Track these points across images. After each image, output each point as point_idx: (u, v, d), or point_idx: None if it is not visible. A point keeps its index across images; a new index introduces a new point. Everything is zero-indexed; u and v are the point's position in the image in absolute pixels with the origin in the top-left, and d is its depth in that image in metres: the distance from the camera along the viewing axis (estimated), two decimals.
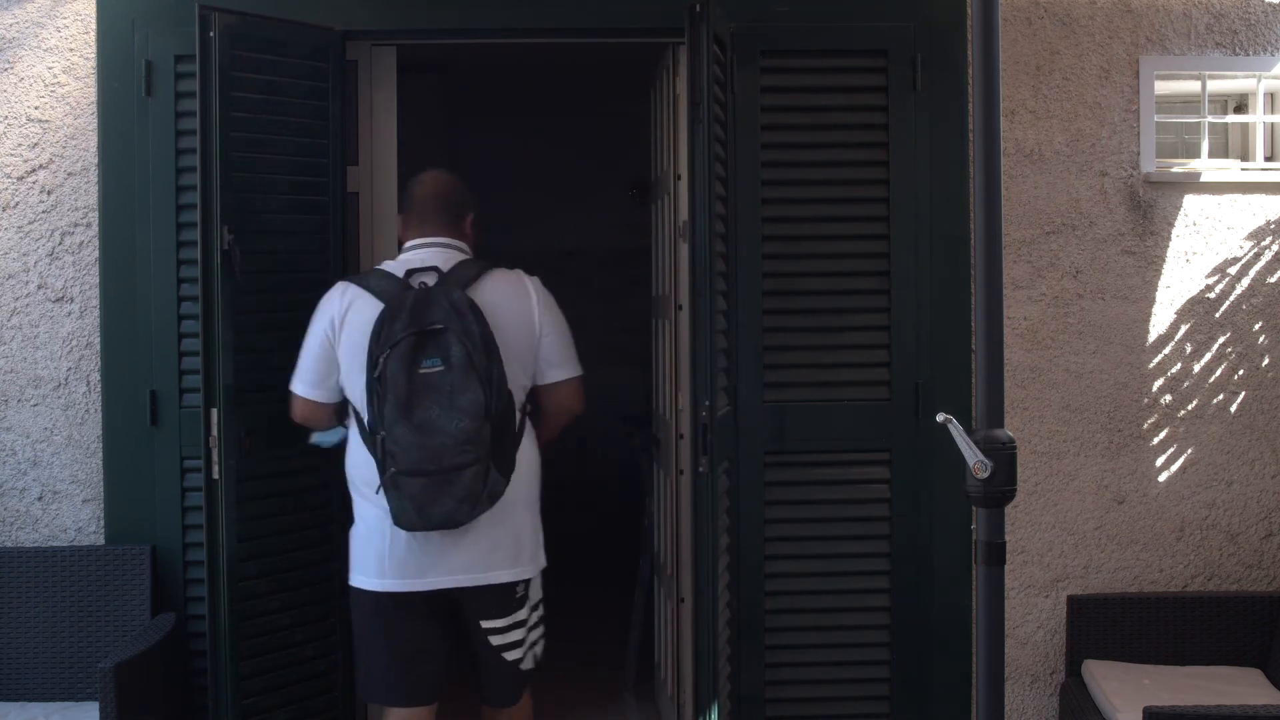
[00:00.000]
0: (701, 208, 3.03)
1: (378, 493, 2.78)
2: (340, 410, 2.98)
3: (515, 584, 2.90)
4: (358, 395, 2.84)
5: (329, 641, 3.38)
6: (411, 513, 2.73)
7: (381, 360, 2.72)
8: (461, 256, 2.95)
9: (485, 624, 2.91)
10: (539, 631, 3.03)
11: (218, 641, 3.14)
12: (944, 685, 3.47)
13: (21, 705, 3.32)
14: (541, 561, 2.98)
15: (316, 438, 3.08)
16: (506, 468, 2.82)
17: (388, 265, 2.95)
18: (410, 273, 2.86)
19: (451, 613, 2.95)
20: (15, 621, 3.40)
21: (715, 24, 3.12)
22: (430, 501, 2.72)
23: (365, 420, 2.81)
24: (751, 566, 3.42)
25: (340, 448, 3.00)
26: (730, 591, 3.38)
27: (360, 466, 2.87)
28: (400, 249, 3.01)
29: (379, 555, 2.86)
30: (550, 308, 2.97)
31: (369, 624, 2.92)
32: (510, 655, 2.94)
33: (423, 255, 2.93)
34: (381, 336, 2.75)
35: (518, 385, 2.89)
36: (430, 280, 2.83)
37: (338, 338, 2.87)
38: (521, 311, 2.91)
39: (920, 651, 3.46)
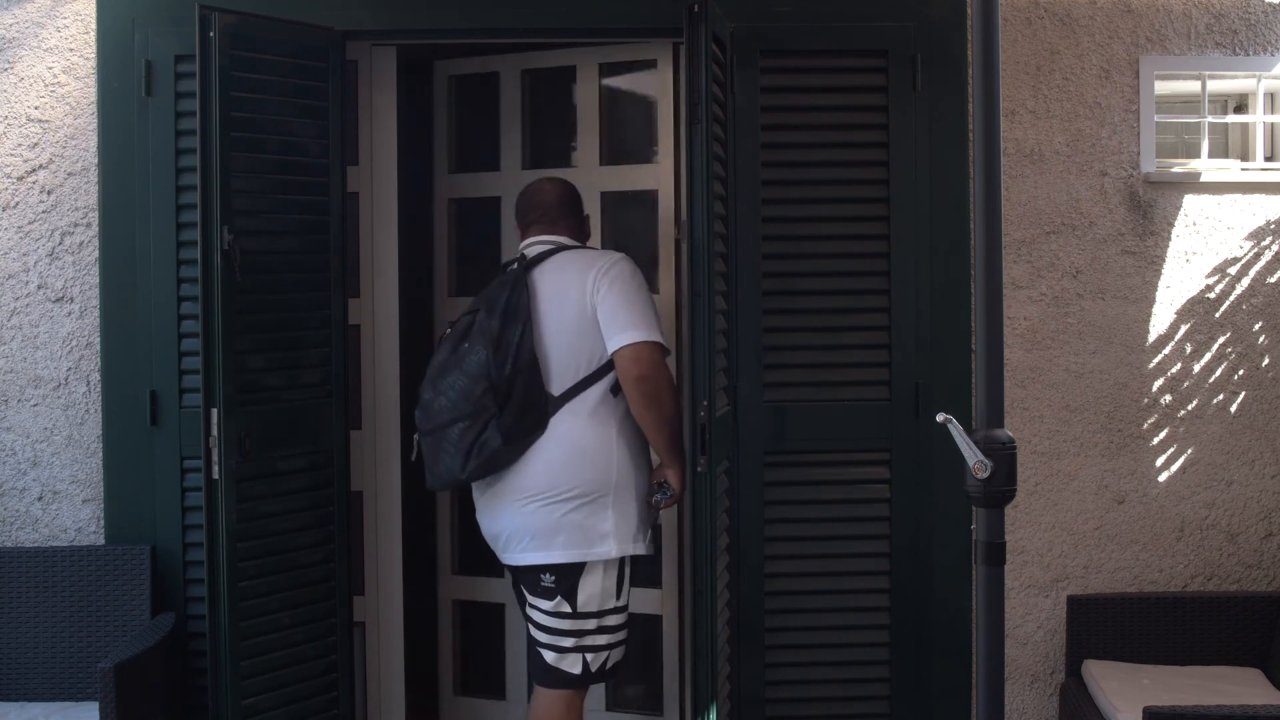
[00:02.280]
0: (700, 208, 3.03)
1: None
2: None
3: (539, 569, 2.94)
4: None
5: (329, 641, 3.37)
6: (428, 473, 2.94)
7: (440, 337, 2.99)
8: (551, 246, 3.07)
9: (525, 590, 3.05)
10: (596, 640, 3.01)
11: (218, 641, 3.13)
12: (944, 685, 3.47)
13: (21, 705, 3.32)
14: (600, 551, 2.96)
15: None
16: (515, 425, 2.86)
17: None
18: (508, 262, 3.08)
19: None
20: (15, 621, 3.40)
21: (714, 24, 3.12)
22: (433, 459, 2.90)
23: None
24: (751, 566, 3.42)
25: None
26: (730, 591, 3.38)
27: None
28: None
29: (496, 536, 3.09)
30: (613, 279, 2.97)
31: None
32: (532, 629, 3.02)
33: (523, 249, 3.11)
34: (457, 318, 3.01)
35: (574, 355, 2.94)
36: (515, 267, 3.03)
37: None
38: (577, 285, 2.97)
39: (920, 651, 3.46)
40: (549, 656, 3.01)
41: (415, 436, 2.99)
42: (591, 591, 2.98)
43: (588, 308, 2.96)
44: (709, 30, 3.06)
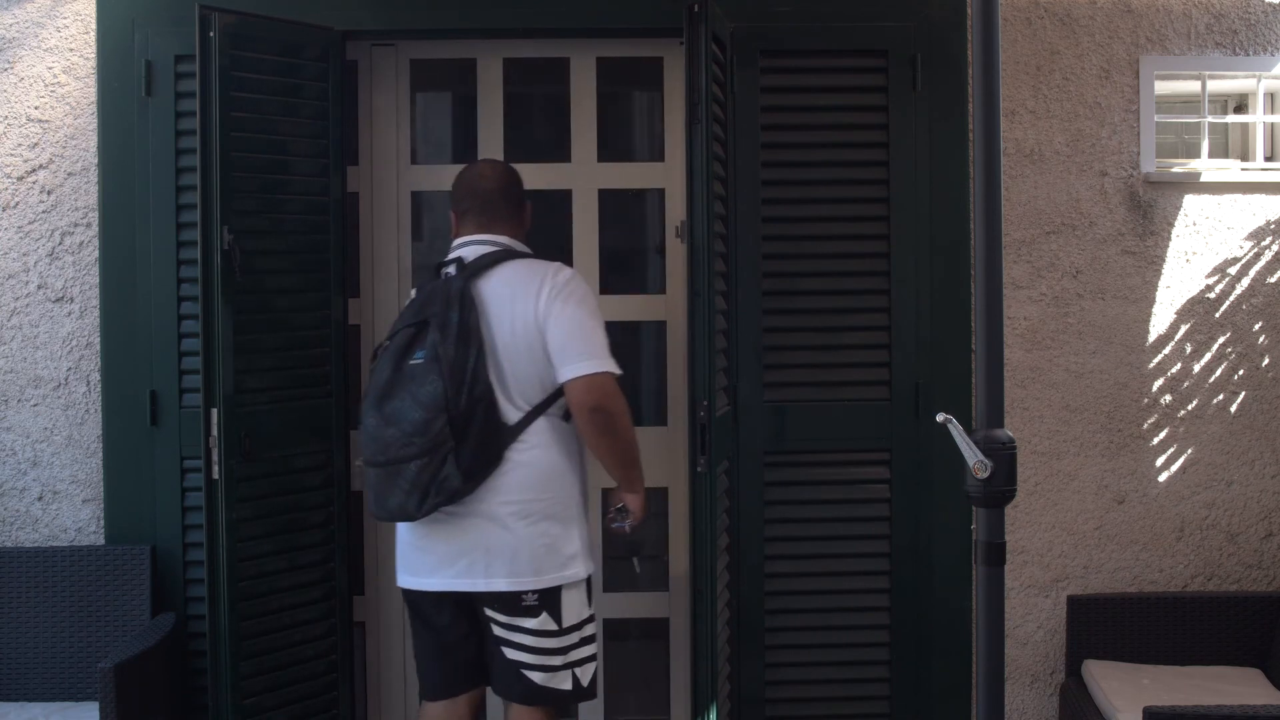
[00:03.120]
0: (700, 208, 3.03)
1: None
2: None
3: (520, 593, 2.81)
4: None
5: (329, 641, 3.38)
6: (372, 503, 2.77)
7: (378, 351, 2.79)
8: (492, 249, 2.89)
9: (488, 611, 2.87)
10: (580, 654, 2.90)
11: (218, 641, 3.14)
12: (944, 685, 3.47)
13: (21, 705, 3.32)
14: (572, 573, 2.85)
15: None
16: (473, 462, 2.72)
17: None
18: (439, 266, 2.89)
19: (475, 608, 2.90)
20: (15, 621, 3.40)
21: (714, 24, 3.12)
22: (383, 492, 2.74)
23: None
24: (751, 566, 3.42)
25: None
26: (730, 591, 3.38)
27: None
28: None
29: (400, 553, 2.92)
30: (563, 299, 2.80)
31: (410, 619, 3.00)
32: (510, 654, 2.86)
33: (459, 251, 2.92)
34: (392, 329, 2.81)
35: (523, 380, 2.80)
36: (454, 270, 2.83)
37: None
38: (525, 302, 2.79)
39: (920, 651, 3.46)
40: (538, 677, 2.85)
41: (358, 463, 2.84)
42: (571, 606, 2.87)
43: (538, 331, 2.78)
44: (709, 30, 3.06)
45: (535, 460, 2.82)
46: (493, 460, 2.77)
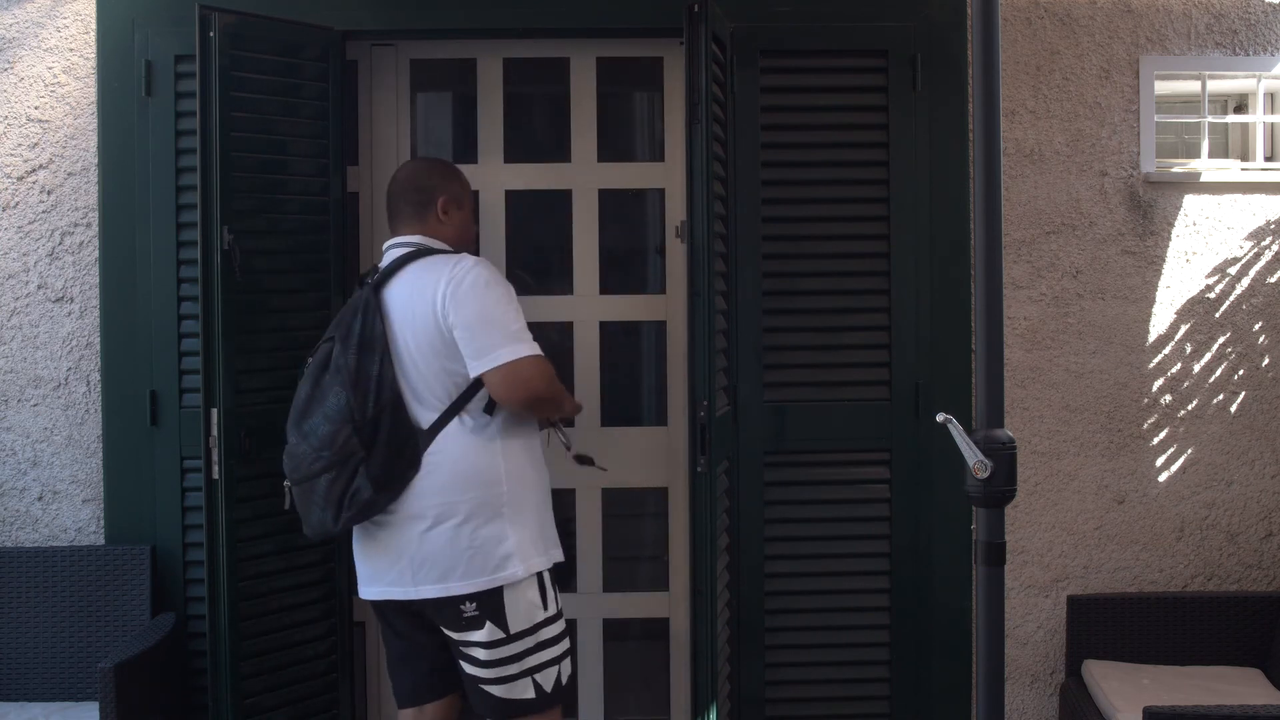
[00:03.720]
0: (700, 208, 3.03)
1: None
2: None
3: (457, 599, 2.70)
4: None
5: (329, 641, 3.38)
6: (302, 522, 2.77)
7: (301, 368, 2.76)
8: (404, 250, 2.81)
9: (441, 626, 2.80)
10: (539, 658, 2.77)
11: (218, 641, 3.14)
12: (944, 685, 3.47)
13: (21, 705, 3.32)
14: (508, 574, 2.72)
15: None
16: (384, 471, 2.66)
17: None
18: (363, 276, 2.86)
19: (427, 618, 2.83)
20: (15, 621, 3.40)
21: (714, 24, 3.12)
22: (304, 510, 2.73)
23: None
24: (751, 566, 3.42)
25: None
26: (730, 591, 3.38)
27: None
28: None
29: (356, 562, 2.91)
30: (463, 291, 2.67)
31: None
32: (468, 669, 2.77)
33: (385, 256, 2.87)
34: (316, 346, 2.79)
35: (433, 380, 2.71)
36: (371, 279, 2.81)
37: None
38: (424, 302, 2.69)
39: (920, 651, 3.46)
40: (498, 691, 2.75)
41: (285, 484, 2.76)
42: (517, 609, 2.73)
43: (443, 329, 2.68)
44: (709, 30, 3.06)
45: (451, 461, 2.71)
46: (408, 466, 2.69)
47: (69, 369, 3.60)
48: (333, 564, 3.38)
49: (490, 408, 2.75)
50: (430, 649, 2.90)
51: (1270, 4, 3.71)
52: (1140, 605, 3.56)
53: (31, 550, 3.46)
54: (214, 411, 3.12)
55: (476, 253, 3.08)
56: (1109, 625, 3.54)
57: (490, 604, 2.72)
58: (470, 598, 2.71)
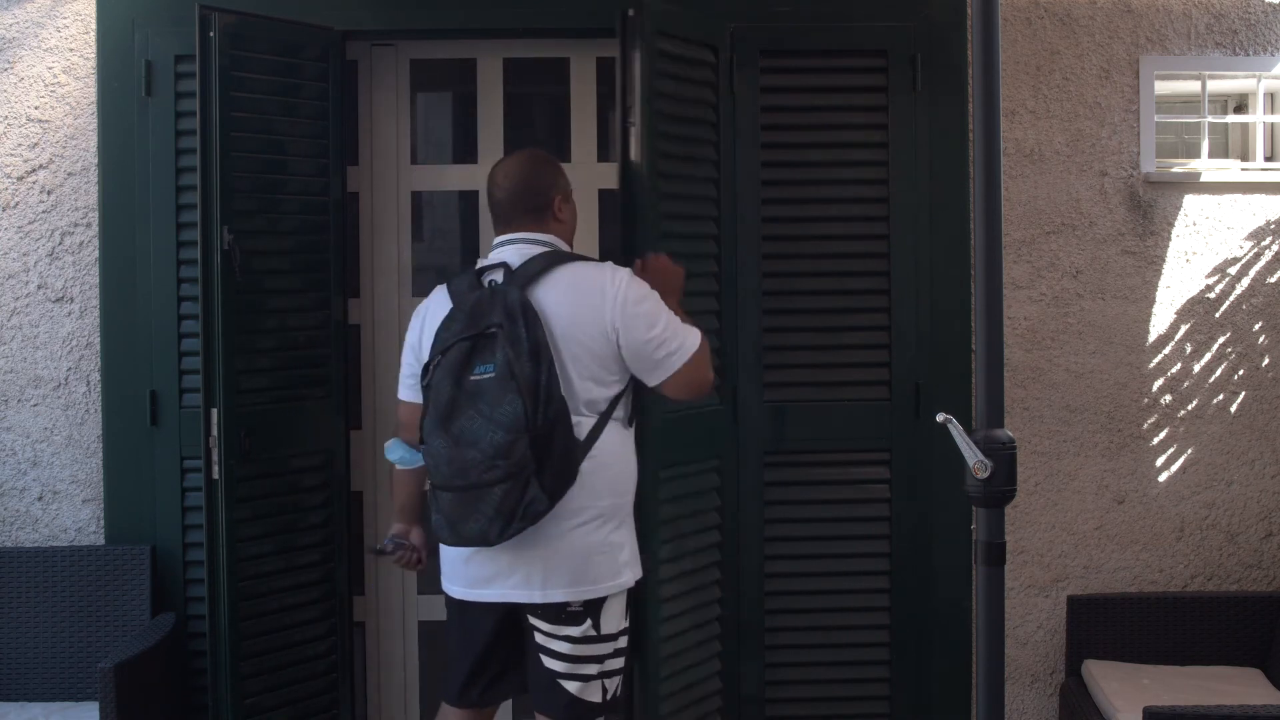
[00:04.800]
0: (644, 214, 3.02)
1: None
2: None
3: (569, 602, 2.70)
4: None
5: (329, 641, 3.38)
6: (445, 529, 2.61)
7: (432, 368, 2.61)
8: (538, 250, 2.74)
9: (532, 620, 2.76)
10: (614, 664, 2.77)
11: (218, 641, 3.14)
12: (944, 685, 3.47)
13: (21, 705, 3.32)
14: (623, 580, 2.74)
15: (394, 449, 2.86)
16: (555, 483, 2.61)
17: (480, 261, 2.79)
18: (481, 271, 2.72)
19: (519, 618, 2.78)
20: (15, 621, 3.40)
21: (665, 25, 3.13)
22: (461, 518, 2.59)
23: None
24: (751, 566, 3.42)
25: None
26: (730, 591, 3.38)
27: None
28: None
29: (450, 560, 2.77)
30: (631, 303, 2.66)
31: (448, 623, 2.87)
32: (548, 663, 2.75)
33: (498, 252, 2.77)
34: (438, 340, 2.63)
35: (590, 390, 2.67)
36: (499, 278, 2.68)
37: (422, 342, 2.73)
38: (590, 310, 2.65)
39: (920, 651, 3.46)
40: (572, 687, 2.72)
41: (429, 488, 2.65)
42: (613, 612, 2.75)
43: (607, 341, 2.66)
44: (647, 33, 3.04)
45: (603, 470, 2.70)
46: (571, 477, 2.64)
47: (69, 369, 3.59)
48: (333, 564, 3.39)
49: (632, 419, 2.78)
50: (504, 653, 2.82)
51: (1270, 4, 3.71)
52: (1140, 605, 3.56)
53: (31, 550, 3.46)
54: (214, 411, 3.12)
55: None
56: (1109, 625, 3.54)
57: (595, 605, 2.73)
58: (586, 601, 2.71)
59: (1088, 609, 3.55)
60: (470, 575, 2.74)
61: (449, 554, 2.77)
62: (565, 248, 2.82)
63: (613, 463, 2.72)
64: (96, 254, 3.53)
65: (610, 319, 2.66)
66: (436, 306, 2.74)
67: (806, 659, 3.46)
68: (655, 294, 2.74)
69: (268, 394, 3.25)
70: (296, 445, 3.33)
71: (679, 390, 2.75)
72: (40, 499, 3.60)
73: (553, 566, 2.68)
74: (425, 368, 2.64)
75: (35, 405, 3.60)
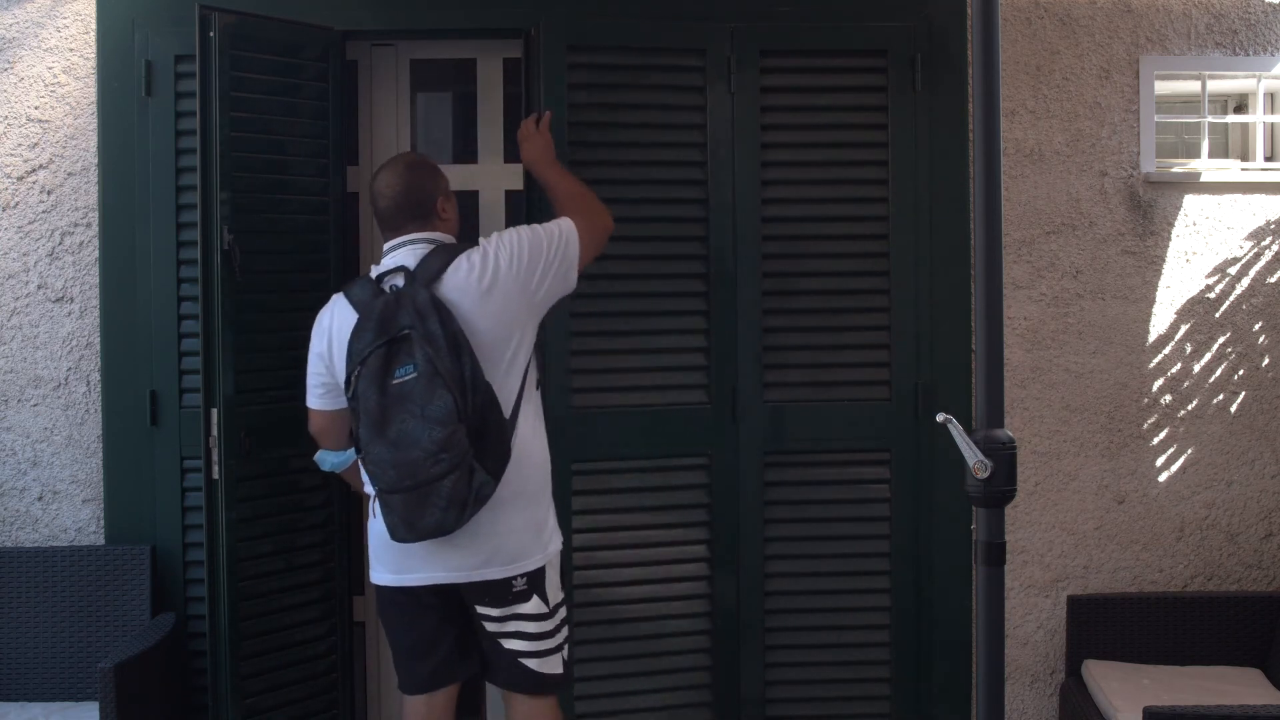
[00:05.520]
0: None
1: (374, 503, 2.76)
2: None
3: (510, 579, 2.79)
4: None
5: (329, 641, 3.38)
6: (401, 528, 2.68)
7: (354, 378, 2.66)
8: (430, 248, 2.80)
9: (479, 609, 2.83)
10: (563, 634, 2.88)
11: (218, 641, 3.14)
12: (944, 685, 3.47)
13: (21, 705, 3.32)
14: (553, 549, 2.86)
15: (324, 459, 2.96)
16: (495, 464, 2.70)
17: (373, 269, 2.85)
18: (381, 277, 2.78)
19: (458, 601, 2.86)
20: (15, 621, 3.40)
21: (569, 38, 3.26)
22: (416, 515, 2.65)
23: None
24: (751, 566, 3.42)
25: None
26: (729, 591, 3.38)
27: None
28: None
29: (377, 550, 2.85)
30: (509, 244, 2.78)
31: (382, 617, 2.94)
32: (508, 644, 2.84)
33: (393, 257, 2.82)
34: (352, 351, 2.67)
35: (506, 372, 2.75)
36: (400, 281, 2.73)
37: (331, 352, 2.79)
38: (490, 285, 2.74)
39: (920, 651, 3.46)
40: (535, 664, 2.84)
41: (373, 495, 2.73)
42: (553, 584, 2.86)
43: (527, 289, 2.77)
44: (545, 50, 3.22)
45: (525, 444, 2.80)
46: (506, 455, 2.74)
47: (69, 369, 3.60)
48: (332, 564, 3.39)
49: (539, 382, 2.90)
50: (450, 634, 2.89)
51: (1270, 4, 3.71)
52: (1140, 605, 3.56)
53: (31, 550, 3.46)
54: (214, 411, 3.12)
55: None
56: (1109, 625, 3.54)
57: (536, 578, 2.82)
58: (524, 574, 2.80)
59: (1088, 609, 3.55)
60: (403, 562, 2.81)
61: (380, 542, 2.82)
62: (450, 240, 2.89)
63: (532, 439, 2.82)
64: (96, 254, 3.53)
65: (505, 272, 2.76)
66: (340, 317, 2.78)
67: (806, 659, 3.46)
68: (519, 228, 2.88)
69: (268, 394, 3.25)
70: (296, 445, 3.32)
71: (594, 251, 2.93)
72: (40, 499, 3.60)
73: (494, 546, 2.77)
74: (347, 380, 2.69)
75: (35, 405, 3.60)
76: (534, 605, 2.82)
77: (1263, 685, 3.35)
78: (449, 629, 2.89)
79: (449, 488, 2.61)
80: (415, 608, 2.87)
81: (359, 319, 2.69)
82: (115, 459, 3.47)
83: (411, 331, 2.63)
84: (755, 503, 3.42)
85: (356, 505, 3.55)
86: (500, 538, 2.78)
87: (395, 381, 2.63)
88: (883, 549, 3.46)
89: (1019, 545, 3.70)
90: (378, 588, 2.90)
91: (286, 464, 3.30)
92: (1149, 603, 3.56)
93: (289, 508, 3.31)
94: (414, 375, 2.61)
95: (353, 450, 2.86)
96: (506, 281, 2.76)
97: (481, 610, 2.84)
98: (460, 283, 2.73)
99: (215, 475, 3.12)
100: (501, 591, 2.81)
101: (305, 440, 3.30)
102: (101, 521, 3.55)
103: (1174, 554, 3.73)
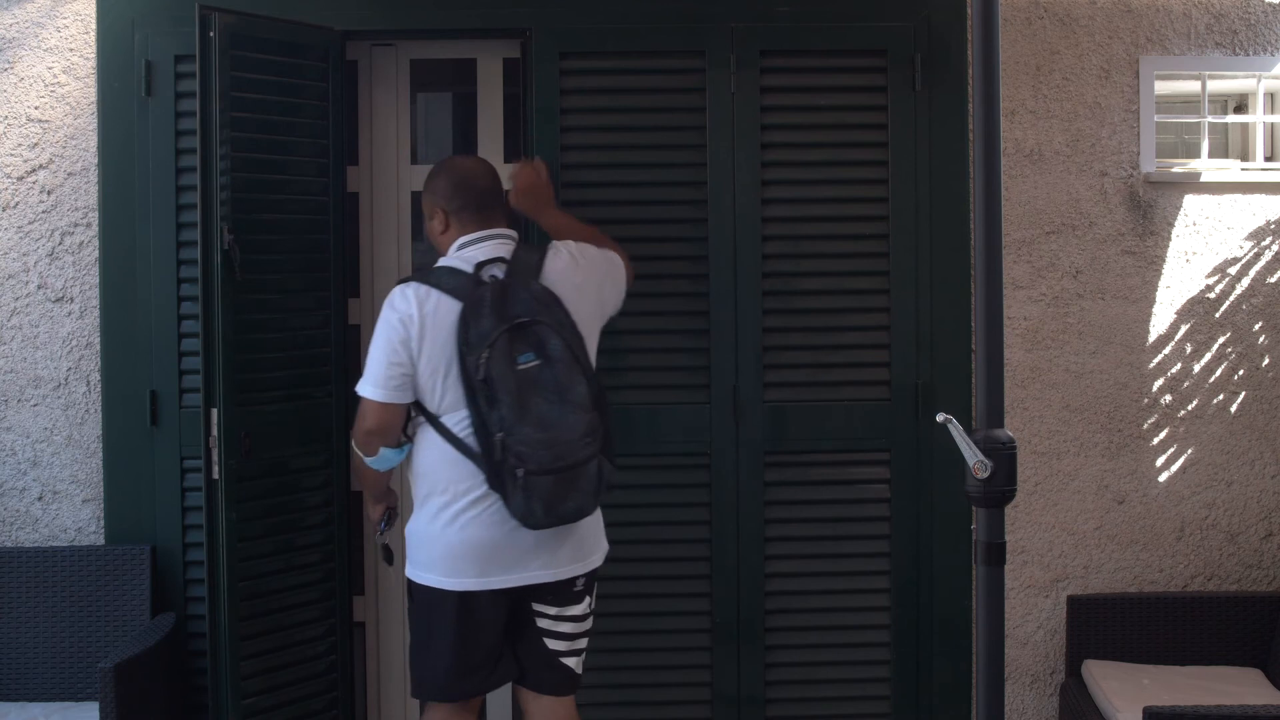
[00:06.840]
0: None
1: (477, 495, 2.72)
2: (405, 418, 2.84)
3: (575, 578, 2.82)
4: (439, 399, 2.74)
5: (329, 641, 3.38)
6: (539, 512, 2.66)
7: (484, 361, 2.65)
8: (513, 244, 2.86)
9: (536, 607, 2.82)
10: (589, 638, 2.91)
11: (218, 641, 3.14)
12: (944, 685, 3.47)
13: (21, 705, 3.32)
14: (605, 547, 2.91)
15: (388, 457, 2.85)
16: (613, 455, 2.81)
17: (448, 262, 2.83)
18: (479, 267, 2.77)
19: (511, 606, 2.83)
20: (15, 621, 3.40)
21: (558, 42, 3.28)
22: (560, 499, 2.68)
23: (470, 421, 2.70)
24: (751, 566, 3.42)
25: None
26: (729, 591, 3.38)
27: (441, 468, 2.76)
28: (452, 246, 2.86)
29: (469, 552, 2.76)
30: (585, 251, 2.91)
31: (440, 626, 2.80)
32: (552, 644, 2.84)
33: (484, 248, 2.82)
34: (471, 336, 2.67)
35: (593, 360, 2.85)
36: (499, 272, 2.76)
37: (419, 340, 2.71)
38: (582, 281, 2.85)
39: (920, 651, 3.46)
40: (571, 663, 2.87)
41: (521, 473, 2.65)
42: (594, 586, 2.93)
43: (599, 298, 2.89)
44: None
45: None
46: (615, 445, 2.84)
47: (69, 369, 3.60)
48: (333, 564, 3.39)
49: None
50: (500, 642, 2.84)
51: (1270, 4, 3.71)
52: (1140, 605, 3.56)
53: (31, 550, 3.46)
54: (214, 411, 3.12)
55: None
56: (1109, 625, 3.54)
57: (592, 578, 2.88)
58: (588, 572, 2.85)
59: (1088, 609, 3.55)
60: (483, 565, 2.75)
61: (449, 548, 2.76)
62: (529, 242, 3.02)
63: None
64: (96, 254, 3.53)
65: (585, 277, 2.86)
66: (441, 304, 2.73)
67: (806, 659, 3.46)
68: (580, 241, 2.96)
69: (268, 394, 3.25)
70: (296, 445, 3.32)
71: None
72: (40, 499, 3.60)
73: (576, 542, 2.81)
74: (473, 362, 2.67)
75: (35, 405, 3.60)
76: (584, 606, 2.86)
77: (1263, 685, 3.35)
78: (500, 637, 2.84)
79: (594, 471, 2.71)
80: (487, 613, 2.79)
81: (464, 306, 2.70)
82: (115, 459, 3.47)
83: (534, 320, 2.68)
84: (755, 502, 3.42)
85: (357, 505, 3.55)
86: (580, 532, 2.81)
87: (519, 367, 2.67)
88: (882, 549, 3.46)
89: (1019, 545, 3.70)
90: (442, 594, 2.78)
91: (286, 464, 3.30)
92: (1149, 603, 3.56)
93: (289, 508, 3.31)
94: (538, 363, 2.67)
95: (407, 445, 2.85)
96: (589, 283, 2.86)
97: (539, 608, 2.82)
98: (557, 277, 2.81)
99: (215, 475, 3.12)
100: (565, 590, 2.82)
101: (306, 440, 3.31)
102: (101, 521, 3.55)
103: (1174, 554, 3.73)
